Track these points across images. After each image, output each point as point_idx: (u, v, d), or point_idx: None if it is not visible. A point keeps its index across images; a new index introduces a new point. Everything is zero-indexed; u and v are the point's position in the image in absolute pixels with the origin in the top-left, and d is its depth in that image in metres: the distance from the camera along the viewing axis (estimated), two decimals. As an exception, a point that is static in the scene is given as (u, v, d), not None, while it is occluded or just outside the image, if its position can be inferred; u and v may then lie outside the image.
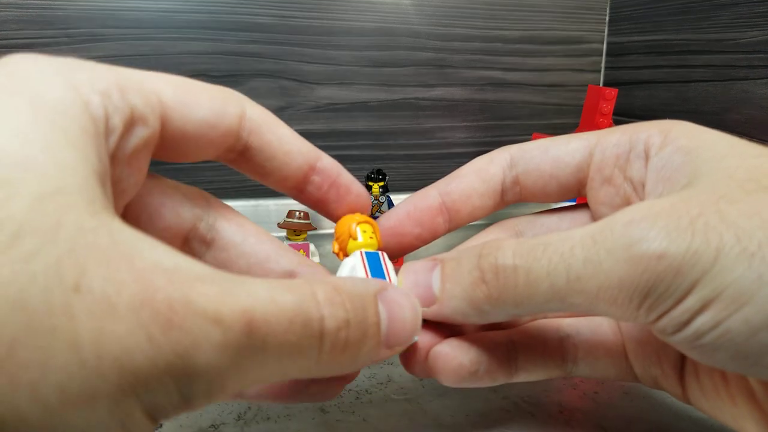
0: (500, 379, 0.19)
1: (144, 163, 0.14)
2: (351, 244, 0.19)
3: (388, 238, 0.21)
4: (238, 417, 0.22)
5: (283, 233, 0.42)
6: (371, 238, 0.19)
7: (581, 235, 0.14)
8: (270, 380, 0.13)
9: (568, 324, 0.21)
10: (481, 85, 0.57)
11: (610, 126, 0.47)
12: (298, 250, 0.25)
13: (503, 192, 0.22)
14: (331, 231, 0.47)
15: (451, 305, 0.17)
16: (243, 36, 0.49)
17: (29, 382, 0.09)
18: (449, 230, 0.22)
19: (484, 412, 0.23)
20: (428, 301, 0.17)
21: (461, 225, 0.22)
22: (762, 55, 0.42)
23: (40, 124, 0.11)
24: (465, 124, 0.57)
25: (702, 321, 0.14)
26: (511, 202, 0.22)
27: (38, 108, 0.11)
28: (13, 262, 0.09)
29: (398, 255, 0.22)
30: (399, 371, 0.26)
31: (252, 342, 0.11)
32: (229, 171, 0.47)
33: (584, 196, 0.21)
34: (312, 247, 0.41)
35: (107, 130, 0.12)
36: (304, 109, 0.52)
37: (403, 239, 0.21)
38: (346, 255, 0.19)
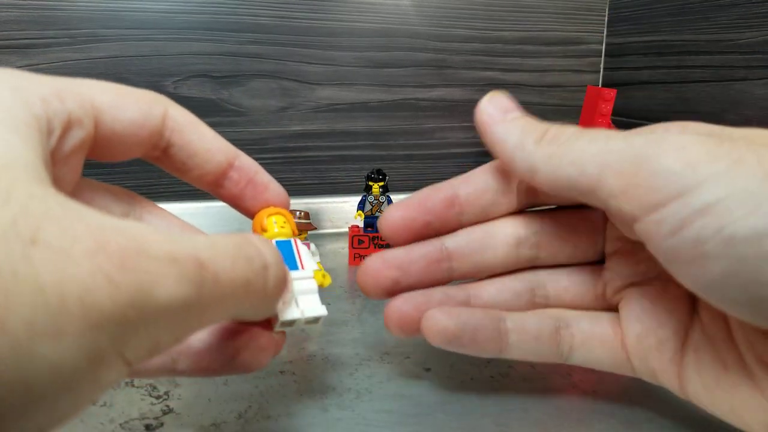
0: (489, 351, 0.21)
1: (79, 163, 0.16)
2: (264, 235, 0.20)
3: (398, 224, 0.22)
4: (239, 415, 0.22)
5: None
6: (282, 227, 0.20)
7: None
8: (228, 316, 0.14)
9: (568, 313, 0.22)
10: (480, 86, 0.57)
11: (609, 127, 0.47)
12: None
13: (518, 189, 0.22)
14: (333, 230, 0.47)
15: (512, 126, 0.21)
16: (243, 37, 0.49)
17: None
18: (462, 225, 0.23)
19: (484, 413, 0.23)
20: (504, 113, 0.22)
21: (475, 220, 0.23)
22: (760, 56, 0.42)
23: None
24: (465, 124, 0.57)
25: (704, 223, 0.14)
26: (528, 201, 0.23)
27: None
28: None
29: (409, 243, 0.22)
30: (399, 370, 0.26)
31: (206, 275, 0.12)
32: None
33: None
34: (313, 246, 0.41)
35: (48, 131, 0.13)
36: (304, 109, 0.52)
37: (413, 225, 0.22)
38: None
